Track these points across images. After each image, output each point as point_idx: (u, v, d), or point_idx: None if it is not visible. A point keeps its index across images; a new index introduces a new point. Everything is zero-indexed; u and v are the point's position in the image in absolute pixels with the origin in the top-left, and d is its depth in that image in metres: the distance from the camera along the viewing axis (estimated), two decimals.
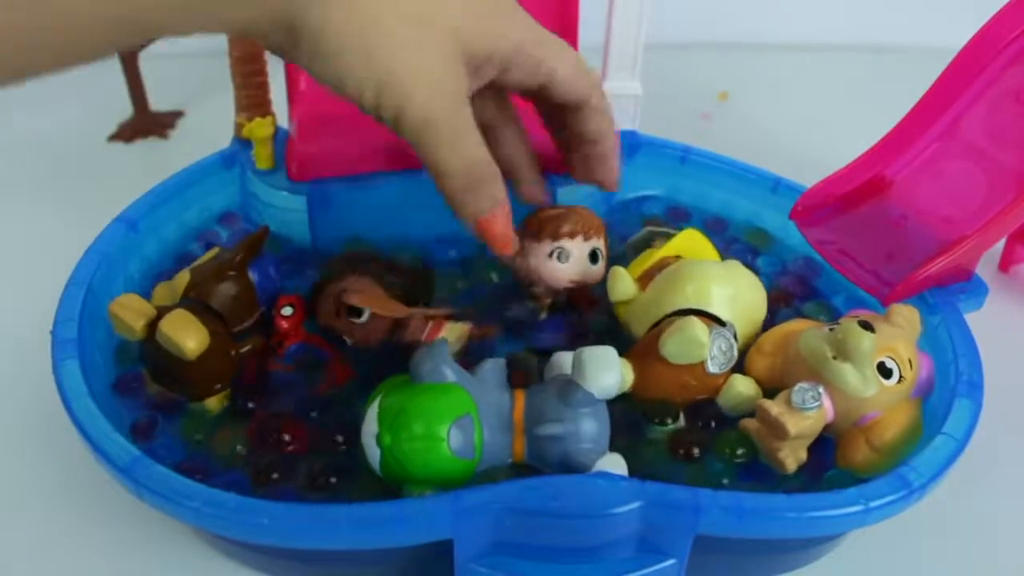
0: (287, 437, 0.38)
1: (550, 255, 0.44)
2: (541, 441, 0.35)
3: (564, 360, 0.39)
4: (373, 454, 0.34)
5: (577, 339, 0.44)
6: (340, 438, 0.38)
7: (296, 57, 0.33)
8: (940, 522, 0.40)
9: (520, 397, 0.36)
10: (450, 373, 0.36)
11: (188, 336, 0.37)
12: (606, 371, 0.35)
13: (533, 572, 0.33)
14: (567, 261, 0.44)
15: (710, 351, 0.38)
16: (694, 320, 0.38)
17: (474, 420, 0.35)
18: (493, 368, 0.37)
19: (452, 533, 0.32)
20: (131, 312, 0.39)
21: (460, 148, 0.35)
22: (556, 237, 0.43)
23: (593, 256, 0.44)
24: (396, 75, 0.33)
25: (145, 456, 0.34)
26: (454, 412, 0.34)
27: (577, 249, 0.44)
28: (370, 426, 0.35)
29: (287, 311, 0.42)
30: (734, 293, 0.41)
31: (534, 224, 0.44)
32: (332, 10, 0.32)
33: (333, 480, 0.37)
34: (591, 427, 0.35)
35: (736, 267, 0.42)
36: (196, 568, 0.38)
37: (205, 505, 0.32)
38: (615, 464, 0.34)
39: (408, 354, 0.37)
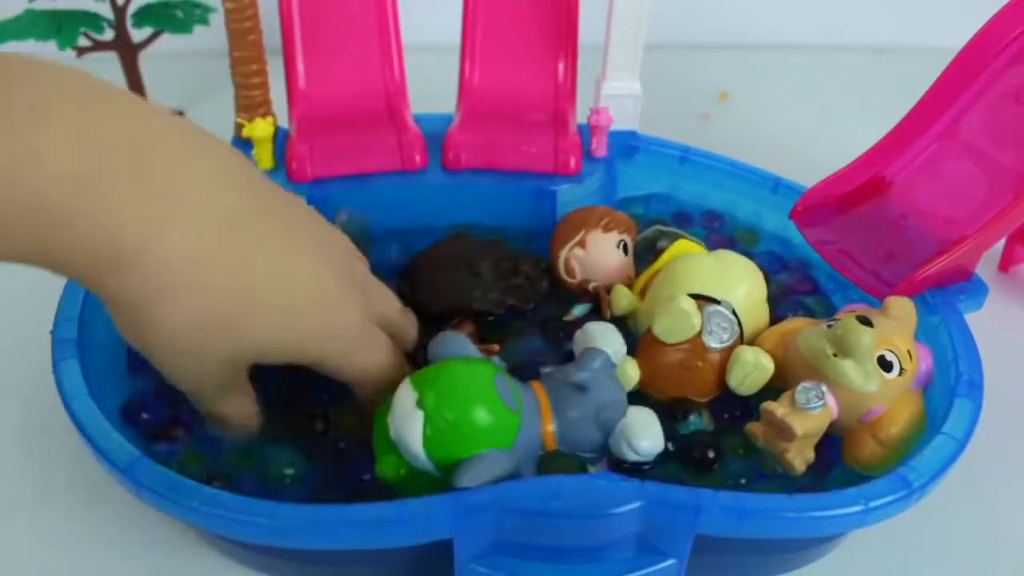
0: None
1: (617, 246, 0.46)
2: (568, 397, 0.36)
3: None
4: (412, 430, 0.32)
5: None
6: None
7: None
8: (940, 522, 0.40)
9: (537, 384, 0.37)
10: (474, 350, 0.37)
11: None
12: (610, 339, 0.39)
13: (533, 572, 0.33)
14: (628, 253, 0.46)
15: (706, 326, 0.39)
16: (680, 295, 0.39)
17: (507, 379, 0.35)
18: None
19: (452, 533, 0.32)
20: None
21: None
22: (622, 229, 0.46)
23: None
24: None
25: (145, 456, 0.34)
26: (491, 368, 0.35)
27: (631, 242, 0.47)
28: (404, 401, 0.33)
29: None
30: (726, 274, 0.41)
31: (596, 217, 0.46)
32: None
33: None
34: (610, 379, 0.37)
35: (726, 253, 0.43)
36: (196, 568, 0.38)
37: (205, 505, 0.32)
38: (646, 416, 0.36)
39: None
